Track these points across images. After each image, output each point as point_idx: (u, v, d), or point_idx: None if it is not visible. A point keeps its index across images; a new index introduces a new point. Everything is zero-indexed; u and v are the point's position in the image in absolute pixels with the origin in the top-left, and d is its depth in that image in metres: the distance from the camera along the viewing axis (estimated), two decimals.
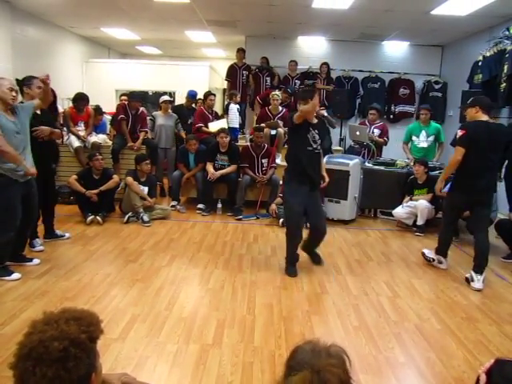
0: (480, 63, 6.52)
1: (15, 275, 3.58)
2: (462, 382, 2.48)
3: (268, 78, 8.38)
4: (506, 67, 5.77)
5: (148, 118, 6.79)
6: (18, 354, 1.04)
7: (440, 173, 5.76)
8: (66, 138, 6.31)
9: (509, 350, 2.83)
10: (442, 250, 4.29)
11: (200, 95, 7.38)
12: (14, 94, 3.49)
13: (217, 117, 7.00)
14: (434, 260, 4.34)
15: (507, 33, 5.98)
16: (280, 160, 6.43)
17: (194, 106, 7.56)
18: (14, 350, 1.07)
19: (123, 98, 7.84)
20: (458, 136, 3.89)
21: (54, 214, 4.68)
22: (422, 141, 6.29)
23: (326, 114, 6.56)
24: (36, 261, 3.93)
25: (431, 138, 6.26)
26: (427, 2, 5.91)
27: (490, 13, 6.15)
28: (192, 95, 7.36)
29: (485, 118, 3.84)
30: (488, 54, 6.33)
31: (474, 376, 1.37)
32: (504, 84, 5.83)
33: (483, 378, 1.31)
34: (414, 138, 6.36)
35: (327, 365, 1.04)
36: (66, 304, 3.15)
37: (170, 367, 2.48)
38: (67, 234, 4.73)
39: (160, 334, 2.82)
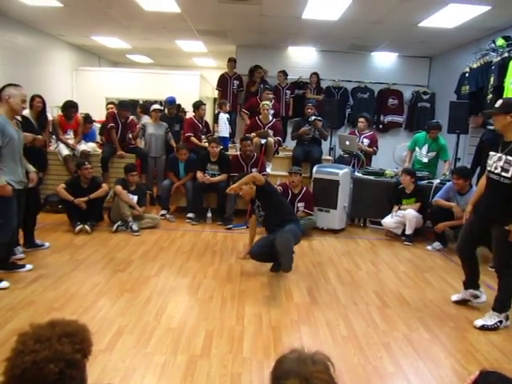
0: (467, 75, 6.62)
1: (4, 283, 3.54)
2: None
3: (262, 85, 8.38)
4: (492, 79, 5.86)
5: (138, 126, 6.77)
6: (10, 374, 0.96)
7: (429, 182, 5.82)
8: (54, 145, 6.28)
9: (496, 359, 2.85)
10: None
11: (190, 104, 7.34)
12: (24, 105, 3.62)
13: (207, 126, 7.00)
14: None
15: (493, 45, 6.08)
16: (270, 169, 6.44)
17: (179, 113, 7.46)
18: (3, 367, 0.97)
19: (110, 106, 7.84)
20: None
21: (36, 224, 4.60)
22: (424, 155, 6.21)
23: (319, 127, 6.61)
24: (29, 266, 3.94)
25: (431, 154, 6.16)
26: (415, 15, 6.00)
27: (477, 26, 6.27)
28: (170, 101, 7.21)
29: None
30: (475, 66, 6.43)
31: None
32: (490, 95, 5.91)
33: None
34: (417, 148, 6.31)
35: (314, 372, 1.04)
36: (53, 314, 3.11)
37: (158, 379, 2.45)
38: (47, 244, 4.62)
39: (148, 345, 2.79)
